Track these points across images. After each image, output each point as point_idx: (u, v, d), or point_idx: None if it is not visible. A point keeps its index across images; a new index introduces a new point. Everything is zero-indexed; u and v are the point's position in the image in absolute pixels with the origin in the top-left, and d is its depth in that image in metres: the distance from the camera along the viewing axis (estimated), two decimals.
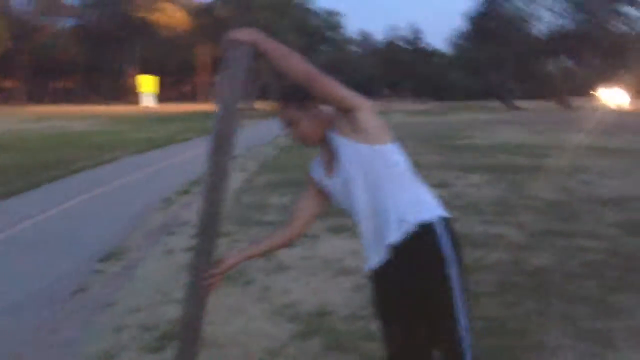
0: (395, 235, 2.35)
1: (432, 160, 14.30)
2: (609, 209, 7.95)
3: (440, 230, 2.37)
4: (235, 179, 11.79)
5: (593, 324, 4.07)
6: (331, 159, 2.47)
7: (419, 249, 2.36)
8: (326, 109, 2.48)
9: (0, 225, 8.08)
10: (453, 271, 2.35)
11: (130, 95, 78.04)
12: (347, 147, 2.38)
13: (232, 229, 7.36)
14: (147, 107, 29.74)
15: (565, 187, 9.89)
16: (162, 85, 69.71)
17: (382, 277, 2.47)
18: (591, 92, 60.18)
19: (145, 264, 6.20)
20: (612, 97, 55.24)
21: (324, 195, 2.59)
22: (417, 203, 2.40)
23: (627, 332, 3.93)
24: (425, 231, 2.35)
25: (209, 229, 2.43)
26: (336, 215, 6.81)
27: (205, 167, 2.39)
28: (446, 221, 2.41)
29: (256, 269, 5.50)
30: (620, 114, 36.44)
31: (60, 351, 4.18)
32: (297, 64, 2.29)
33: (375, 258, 2.44)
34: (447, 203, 9.00)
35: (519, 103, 53.86)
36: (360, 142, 2.36)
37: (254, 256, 2.67)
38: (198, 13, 66.84)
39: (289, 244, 2.69)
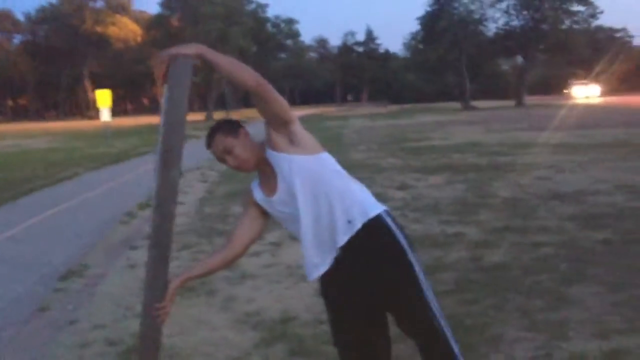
0: (345, 236, 2.45)
1: (392, 163, 14.48)
2: (565, 204, 8.14)
3: (389, 221, 2.50)
4: (197, 190, 11.79)
5: (548, 315, 4.20)
6: (270, 178, 2.55)
7: (375, 243, 2.46)
8: (253, 135, 2.59)
9: None
10: (413, 258, 2.48)
11: (85, 110, 77.13)
12: (287, 160, 2.47)
13: (195, 241, 7.38)
14: (106, 122, 29.32)
15: (522, 184, 10.10)
16: (117, 99, 68.96)
17: (335, 281, 2.54)
18: (564, 88, 61.53)
19: (107, 280, 6.17)
20: (581, 91, 56.54)
21: (263, 217, 2.67)
22: (360, 202, 2.50)
23: (580, 322, 4.06)
24: (376, 225, 2.47)
25: (161, 242, 2.47)
26: None
27: (154, 182, 2.43)
28: (389, 213, 2.54)
29: (219, 279, 5.51)
30: (584, 108, 37.21)
31: None
32: (246, 74, 2.36)
33: (322, 266, 2.52)
34: (407, 205, 9.12)
35: (476, 103, 54.65)
36: (298, 153, 2.47)
37: (193, 278, 2.70)
38: (151, 25, 66.27)
39: (229, 265, 2.75)
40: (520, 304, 4.47)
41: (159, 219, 2.43)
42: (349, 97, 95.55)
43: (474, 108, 50.42)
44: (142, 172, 16.14)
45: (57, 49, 76.18)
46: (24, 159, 21.92)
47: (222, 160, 2.57)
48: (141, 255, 6.87)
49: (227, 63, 2.36)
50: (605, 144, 15.78)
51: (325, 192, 2.46)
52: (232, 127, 2.56)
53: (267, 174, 2.56)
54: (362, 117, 44.50)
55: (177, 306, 4.67)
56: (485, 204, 8.52)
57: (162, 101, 2.39)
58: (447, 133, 23.74)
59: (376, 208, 2.51)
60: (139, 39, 75.32)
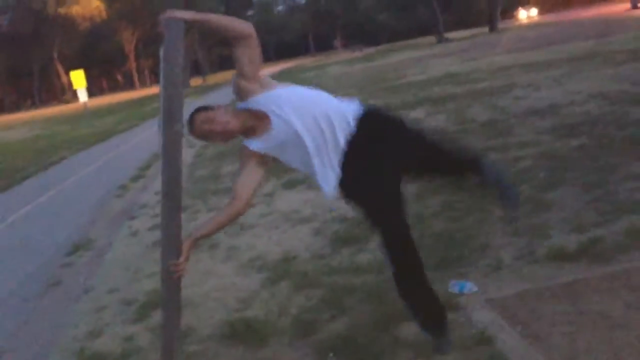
0: (347, 130, 2.75)
1: (371, 104, 14.62)
2: (542, 119, 8.37)
3: (376, 106, 2.96)
4: (186, 155, 11.93)
5: (529, 221, 4.48)
6: (259, 124, 2.78)
7: (379, 123, 2.84)
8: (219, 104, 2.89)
9: None
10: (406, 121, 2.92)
11: (60, 94, 76.32)
12: (269, 99, 2.75)
13: (191, 202, 7.58)
14: (84, 102, 29.26)
15: (499, 105, 10.30)
16: (92, 79, 68.18)
17: (356, 170, 2.76)
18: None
19: (113, 248, 6.41)
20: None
21: (261, 166, 2.87)
22: (347, 105, 2.84)
23: (559, 221, 4.35)
24: (372, 113, 2.86)
25: (172, 192, 2.70)
26: (288, 172, 7.12)
27: (160, 140, 2.66)
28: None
29: (219, 233, 5.74)
30: (536, 27, 37.18)
31: (47, 340, 4.40)
32: (238, 23, 2.68)
33: (334, 177, 2.77)
34: None
35: (450, 34, 54.35)
36: (272, 90, 2.77)
37: (205, 236, 2.93)
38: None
39: (235, 218, 2.90)
40: (504, 215, 4.73)
41: (168, 171, 2.67)
42: (335, 44, 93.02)
43: (448, 40, 50.12)
44: (128, 147, 16.29)
45: (23, 37, 74.78)
46: (9, 149, 21.92)
47: (206, 135, 2.80)
48: (141, 223, 7.12)
49: (218, 18, 2.70)
50: (577, 56, 15.92)
51: (321, 109, 2.76)
52: (206, 106, 2.85)
53: (255, 125, 2.78)
54: (338, 64, 44.29)
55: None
56: (466, 130, 8.75)
57: (161, 62, 2.62)
58: (423, 68, 23.80)
59: (362, 105, 2.86)
60: (103, 14, 74.01)
